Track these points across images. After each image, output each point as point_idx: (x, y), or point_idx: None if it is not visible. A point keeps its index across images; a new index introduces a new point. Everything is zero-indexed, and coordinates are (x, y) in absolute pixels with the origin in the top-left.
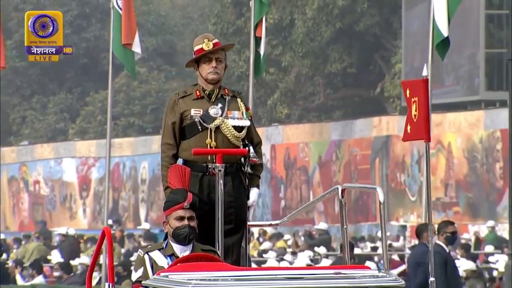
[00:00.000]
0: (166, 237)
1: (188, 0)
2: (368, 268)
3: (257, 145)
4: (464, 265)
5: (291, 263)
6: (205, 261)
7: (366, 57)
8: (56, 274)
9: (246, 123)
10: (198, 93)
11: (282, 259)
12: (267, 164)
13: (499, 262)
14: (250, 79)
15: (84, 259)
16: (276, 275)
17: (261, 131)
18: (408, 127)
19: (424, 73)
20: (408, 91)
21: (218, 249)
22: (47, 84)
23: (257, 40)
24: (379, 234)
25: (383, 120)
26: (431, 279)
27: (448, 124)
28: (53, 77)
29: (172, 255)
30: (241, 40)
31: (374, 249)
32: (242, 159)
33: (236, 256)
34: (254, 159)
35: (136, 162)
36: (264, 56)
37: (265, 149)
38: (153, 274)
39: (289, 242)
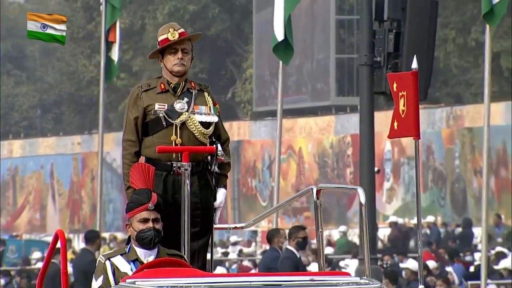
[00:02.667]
0: (129, 241)
1: (37, 4)
2: (348, 274)
3: (225, 142)
4: (315, 270)
5: None
6: (173, 266)
7: (217, 62)
8: None
9: (214, 119)
10: (162, 87)
11: None
12: (117, 170)
13: (350, 267)
14: (101, 84)
15: None
16: (252, 281)
17: (112, 136)
18: (395, 123)
19: (414, 65)
20: (395, 85)
21: (184, 254)
22: None
23: (108, 44)
24: (231, 239)
25: (234, 125)
26: (421, 286)
27: (299, 129)
28: None
29: (136, 260)
30: (91, 45)
31: (225, 254)
32: (209, 158)
33: (202, 261)
34: (222, 157)
35: None
36: (118, 61)
37: (116, 154)
38: (115, 281)
39: None
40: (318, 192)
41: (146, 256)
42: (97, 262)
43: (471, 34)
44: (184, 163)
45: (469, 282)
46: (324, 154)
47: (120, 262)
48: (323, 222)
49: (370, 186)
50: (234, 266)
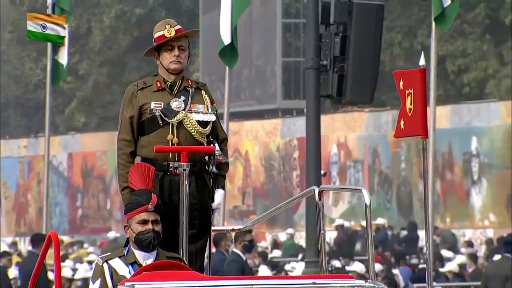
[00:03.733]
0: (127, 243)
1: None
2: (351, 277)
3: (223, 142)
4: (263, 272)
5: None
6: (172, 269)
7: None
8: None
9: (211, 118)
10: (158, 85)
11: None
12: (64, 173)
13: (296, 269)
14: (47, 87)
15: None
16: (253, 285)
17: (58, 139)
18: (402, 122)
19: (421, 62)
20: (401, 83)
21: (182, 256)
22: None
23: (55, 48)
24: None
25: None
26: None
27: (245, 132)
28: None
29: (134, 263)
30: (38, 48)
31: None
32: (207, 158)
33: (199, 264)
34: (219, 157)
35: None
36: (67, 65)
37: (62, 157)
38: (113, 285)
39: (89, 250)
40: (320, 193)
41: (145, 258)
42: (94, 265)
43: (417, 37)
44: (182, 163)
45: (415, 285)
46: (270, 157)
47: (118, 265)
48: (271, 224)
49: None
50: None
